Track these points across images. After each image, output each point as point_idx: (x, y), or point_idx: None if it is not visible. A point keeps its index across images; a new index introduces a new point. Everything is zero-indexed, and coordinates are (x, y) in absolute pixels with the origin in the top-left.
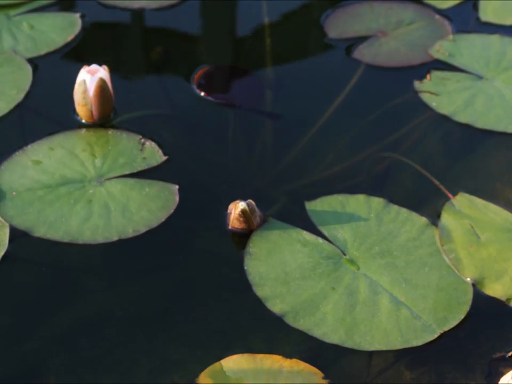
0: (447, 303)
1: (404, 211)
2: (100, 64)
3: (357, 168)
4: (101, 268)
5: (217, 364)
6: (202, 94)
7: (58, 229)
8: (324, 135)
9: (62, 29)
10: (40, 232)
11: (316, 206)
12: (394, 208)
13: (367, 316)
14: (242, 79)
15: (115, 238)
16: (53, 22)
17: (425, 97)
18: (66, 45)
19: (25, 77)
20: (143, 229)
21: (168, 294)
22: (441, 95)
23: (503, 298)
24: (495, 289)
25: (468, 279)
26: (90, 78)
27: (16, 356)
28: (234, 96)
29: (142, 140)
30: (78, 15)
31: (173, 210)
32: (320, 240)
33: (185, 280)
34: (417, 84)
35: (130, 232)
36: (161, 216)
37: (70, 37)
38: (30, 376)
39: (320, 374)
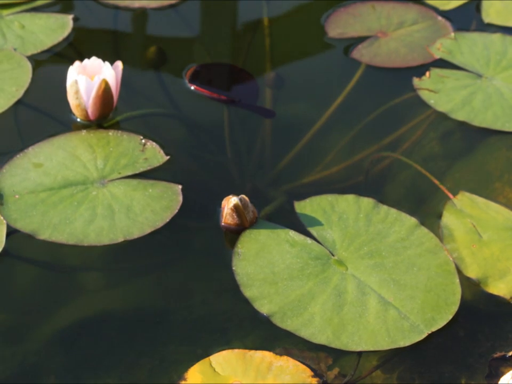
0: (435, 303)
1: (393, 211)
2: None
3: (356, 168)
4: (102, 268)
5: (206, 359)
6: (192, 87)
7: (63, 231)
8: (323, 135)
9: (52, 30)
10: (45, 234)
11: (305, 206)
12: (384, 208)
13: (354, 316)
14: (237, 77)
15: (120, 239)
16: (45, 23)
17: (424, 95)
18: (54, 46)
19: (25, 74)
20: (148, 230)
21: (168, 294)
22: (439, 92)
23: (507, 297)
24: (499, 288)
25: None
26: (85, 79)
27: (16, 356)
28: (227, 92)
29: (143, 141)
30: (70, 16)
31: (177, 211)
32: (308, 240)
33: (186, 280)
34: (416, 81)
35: (135, 233)
36: (166, 217)
37: (58, 39)
38: (30, 376)
39: (309, 372)
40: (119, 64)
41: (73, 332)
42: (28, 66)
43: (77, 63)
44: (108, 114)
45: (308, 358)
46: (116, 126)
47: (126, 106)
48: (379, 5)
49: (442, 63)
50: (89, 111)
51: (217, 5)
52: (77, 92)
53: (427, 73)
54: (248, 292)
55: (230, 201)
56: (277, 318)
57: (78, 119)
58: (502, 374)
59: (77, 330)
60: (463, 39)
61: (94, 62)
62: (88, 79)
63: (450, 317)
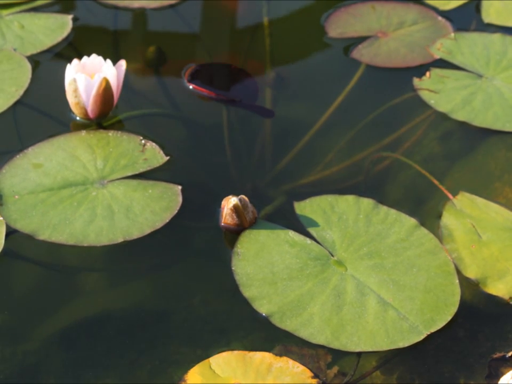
0: (435, 304)
1: (393, 212)
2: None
3: (356, 168)
4: (101, 269)
5: (206, 361)
6: (191, 86)
7: (62, 232)
8: (323, 134)
9: (51, 30)
10: (45, 235)
11: (305, 207)
12: (384, 209)
13: (354, 316)
14: (236, 76)
15: (120, 240)
16: (44, 23)
17: (424, 95)
18: (54, 46)
19: (25, 74)
20: (147, 230)
21: (168, 294)
22: (440, 93)
23: (506, 297)
24: (498, 288)
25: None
26: (85, 78)
27: (16, 356)
28: (226, 92)
29: (143, 141)
30: (70, 17)
31: (176, 211)
32: (308, 241)
33: (185, 280)
34: (416, 82)
35: (134, 234)
36: (165, 217)
37: (58, 39)
38: (30, 376)
39: (309, 373)
40: (122, 63)
41: (73, 332)
42: (28, 66)
43: (75, 61)
44: (107, 113)
45: (307, 355)
46: (116, 126)
47: (125, 106)
48: (379, 5)
49: (443, 63)
50: (89, 109)
51: (217, 5)
52: (75, 90)
53: (427, 73)
54: (247, 292)
55: (230, 202)
56: (276, 318)
57: (78, 118)
58: (502, 374)
59: (77, 330)
60: (463, 39)
61: (94, 60)
62: (88, 77)
63: (449, 318)
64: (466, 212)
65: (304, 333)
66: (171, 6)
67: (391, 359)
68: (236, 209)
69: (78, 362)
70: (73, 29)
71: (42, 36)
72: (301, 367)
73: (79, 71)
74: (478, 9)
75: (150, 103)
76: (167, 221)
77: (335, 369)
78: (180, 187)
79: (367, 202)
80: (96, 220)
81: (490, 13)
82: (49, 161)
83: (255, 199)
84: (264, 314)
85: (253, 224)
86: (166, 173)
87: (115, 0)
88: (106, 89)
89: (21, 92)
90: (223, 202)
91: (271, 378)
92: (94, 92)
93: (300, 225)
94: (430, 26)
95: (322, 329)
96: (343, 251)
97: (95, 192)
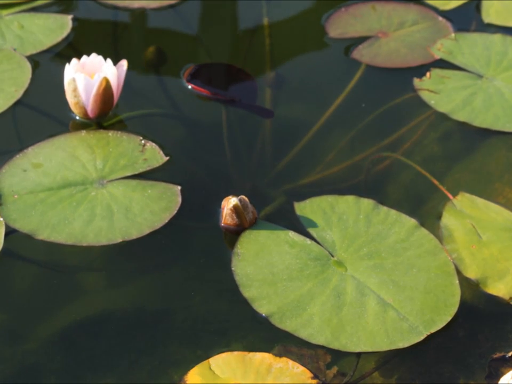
0: (434, 305)
1: (393, 212)
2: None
3: (356, 168)
4: (101, 269)
5: (206, 361)
6: (190, 86)
7: (61, 232)
8: (323, 135)
9: (51, 30)
10: (44, 235)
11: (305, 207)
12: (384, 209)
13: (353, 317)
14: (235, 76)
15: (119, 240)
16: (44, 23)
17: (424, 95)
18: (54, 46)
19: (25, 74)
20: (146, 230)
21: (168, 294)
22: (440, 93)
23: (506, 297)
24: (498, 289)
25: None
26: (84, 77)
27: (15, 356)
28: (226, 91)
29: (143, 141)
30: (70, 17)
31: (176, 212)
32: (308, 241)
33: (185, 280)
34: (416, 82)
35: (134, 234)
36: (165, 217)
37: (58, 39)
38: (30, 376)
39: (309, 373)
40: (124, 63)
41: (73, 332)
42: (27, 66)
43: (74, 60)
44: (107, 113)
45: (306, 355)
46: (115, 126)
47: (125, 106)
48: (380, 5)
49: (443, 64)
50: (89, 109)
51: (217, 5)
52: (75, 90)
53: (427, 74)
54: (247, 293)
55: (230, 202)
56: (276, 319)
57: (77, 117)
58: (502, 374)
59: (76, 330)
60: (464, 39)
61: (93, 60)
62: (87, 77)
63: (449, 319)
64: (466, 212)
65: (304, 333)
66: (171, 6)
67: (390, 359)
68: (235, 209)
69: (78, 362)
70: (73, 29)
71: (42, 36)
72: (301, 368)
73: (79, 71)
74: (478, 9)
75: (150, 103)
76: (166, 221)
77: (334, 369)
78: (179, 187)
79: (367, 203)
80: (95, 219)
81: (491, 13)
82: (49, 161)
83: (255, 199)
84: (264, 314)
85: (253, 224)
86: (165, 173)
87: (115, 0)
88: (106, 89)
89: (21, 92)
90: (223, 203)
91: (271, 379)
92: (94, 91)
93: (300, 226)
94: (430, 27)
95: (322, 329)
96: (343, 251)
97: (94, 192)
